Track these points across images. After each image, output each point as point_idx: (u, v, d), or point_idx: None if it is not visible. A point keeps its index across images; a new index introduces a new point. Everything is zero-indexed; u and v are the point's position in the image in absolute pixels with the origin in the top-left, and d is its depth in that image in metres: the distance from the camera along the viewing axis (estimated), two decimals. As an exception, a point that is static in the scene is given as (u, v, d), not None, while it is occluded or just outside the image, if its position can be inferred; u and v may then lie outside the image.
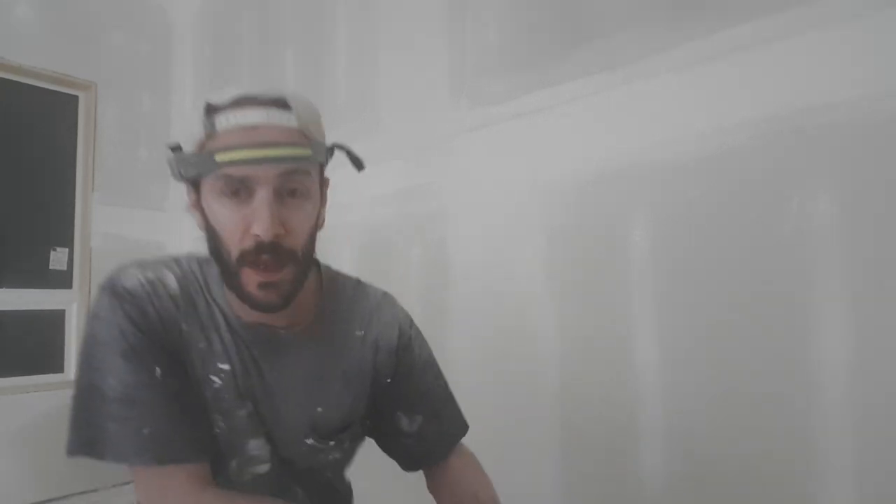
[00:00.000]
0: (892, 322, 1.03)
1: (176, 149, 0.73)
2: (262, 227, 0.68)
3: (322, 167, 0.79)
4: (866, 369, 1.05)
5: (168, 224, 2.89)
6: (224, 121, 0.69)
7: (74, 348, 2.63)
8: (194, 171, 0.70)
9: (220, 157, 0.67)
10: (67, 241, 2.65)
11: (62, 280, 2.63)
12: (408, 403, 0.90)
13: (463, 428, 0.99)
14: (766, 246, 1.17)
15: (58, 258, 2.62)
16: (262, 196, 0.69)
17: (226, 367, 0.77)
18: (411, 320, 0.95)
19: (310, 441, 0.83)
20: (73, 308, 2.64)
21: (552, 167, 1.51)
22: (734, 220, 1.21)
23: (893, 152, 1.03)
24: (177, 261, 0.81)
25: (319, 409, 0.82)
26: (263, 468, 0.81)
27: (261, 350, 0.79)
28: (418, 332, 0.95)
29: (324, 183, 0.82)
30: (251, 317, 0.77)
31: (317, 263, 0.87)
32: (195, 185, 0.73)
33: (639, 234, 1.35)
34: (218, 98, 0.71)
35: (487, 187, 1.66)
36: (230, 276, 0.72)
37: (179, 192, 2.96)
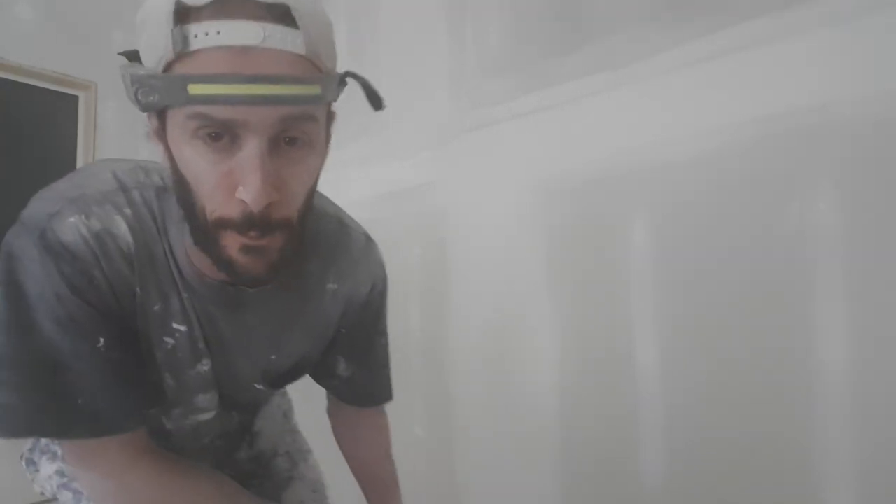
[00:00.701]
0: (892, 322, 1.03)
1: (133, 57, 0.55)
2: (251, 193, 0.52)
3: (331, 105, 0.63)
4: (867, 369, 1.05)
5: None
6: (202, 35, 0.49)
7: (75, 348, 2.62)
8: (157, 98, 0.52)
9: (194, 90, 0.49)
10: (67, 241, 2.65)
11: (62, 280, 2.62)
12: (352, 353, 0.87)
13: (388, 396, 0.99)
14: (766, 246, 1.17)
15: (58, 258, 2.62)
16: (253, 148, 0.52)
17: (182, 328, 0.67)
18: (385, 278, 0.89)
19: (259, 386, 0.80)
20: (74, 308, 2.64)
21: (552, 167, 1.51)
22: (734, 220, 1.21)
23: (893, 152, 1.04)
24: (126, 191, 0.64)
25: (273, 357, 0.77)
26: (208, 416, 0.78)
27: (222, 309, 0.69)
28: (385, 293, 0.89)
29: (330, 120, 0.67)
30: (217, 274, 0.64)
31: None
32: (159, 112, 0.56)
33: (639, 234, 1.35)
34: None
35: (487, 187, 1.66)
36: (204, 236, 0.57)
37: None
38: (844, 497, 1.07)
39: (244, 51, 0.50)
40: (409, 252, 1.86)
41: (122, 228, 0.61)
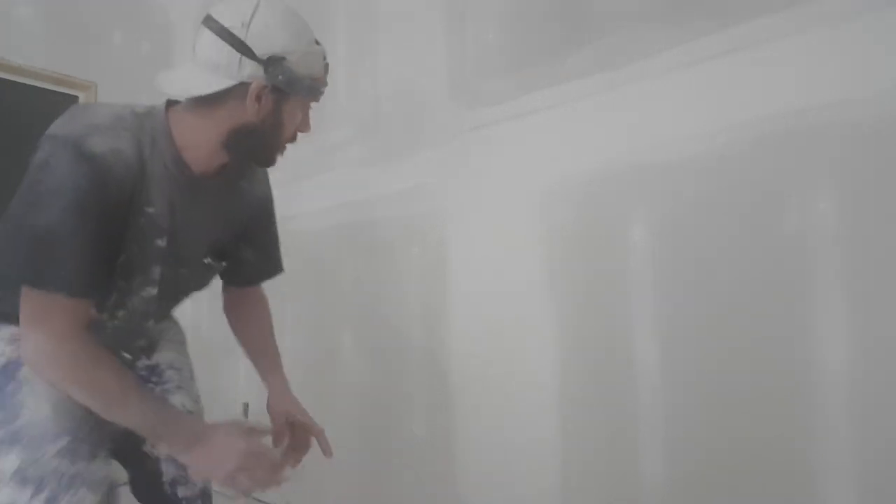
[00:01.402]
0: (892, 322, 1.03)
1: (278, 61, 0.91)
2: (308, 129, 1.04)
3: None
4: (866, 369, 1.05)
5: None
6: (327, 65, 1.01)
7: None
8: (303, 90, 0.95)
9: (323, 90, 1.01)
10: (67, 242, 2.65)
11: (62, 280, 2.62)
12: (254, 240, 1.18)
13: (279, 269, 1.26)
14: (765, 246, 1.17)
15: (58, 258, 2.62)
16: (309, 111, 1.03)
17: (151, 210, 0.95)
18: (270, 190, 1.22)
19: (206, 260, 1.10)
20: (74, 308, 2.64)
21: (552, 167, 1.51)
22: (734, 220, 1.21)
23: (893, 152, 1.04)
24: (122, 119, 0.93)
25: (215, 238, 1.09)
26: (153, 291, 1.02)
27: (190, 193, 1.00)
28: (272, 199, 1.22)
29: None
30: (198, 166, 0.99)
31: None
32: (281, 92, 0.93)
33: (639, 234, 1.35)
34: (314, 37, 0.99)
35: (487, 187, 1.66)
36: (270, 150, 1.01)
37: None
38: (844, 497, 1.07)
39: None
40: (409, 252, 1.86)
41: (128, 145, 0.90)
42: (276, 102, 0.94)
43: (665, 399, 1.29)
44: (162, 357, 1.19)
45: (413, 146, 1.82)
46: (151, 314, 1.07)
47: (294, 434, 1.13)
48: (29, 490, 0.90)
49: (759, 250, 1.18)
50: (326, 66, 1.02)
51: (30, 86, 2.58)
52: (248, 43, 0.89)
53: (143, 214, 0.94)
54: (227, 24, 0.89)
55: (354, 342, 2.05)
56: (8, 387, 0.95)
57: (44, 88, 2.62)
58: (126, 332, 1.06)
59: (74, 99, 2.69)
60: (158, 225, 0.96)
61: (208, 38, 0.91)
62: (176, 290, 1.10)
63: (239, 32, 0.89)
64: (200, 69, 0.92)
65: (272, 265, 1.24)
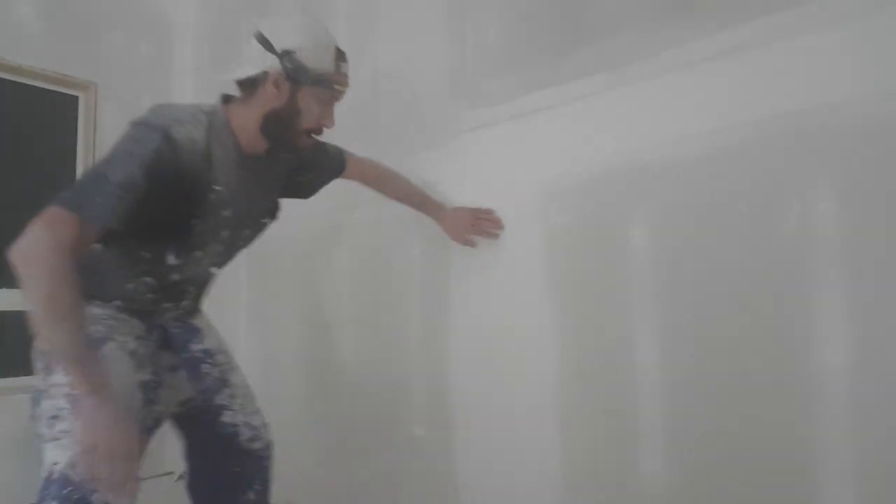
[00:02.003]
0: (892, 322, 1.03)
1: (290, 54, 1.17)
2: (332, 122, 1.29)
3: None
4: (867, 370, 1.05)
5: (168, 224, 2.88)
6: (343, 67, 1.25)
7: (74, 348, 2.62)
8: (311, 82, 1.20)
9: (338, 87, 1.25)
10: (67, 241, 2.65)
11: (62, 280, 2.62)
12: (300, 172, 1.52)
13: (341, 153, 1.61)
14: (766, 246, 1.17)
15: (58, 258, 2.61)
16: (333, 108, 1.29)
17: (220, 187, 1.23)
18: (317, 143, 1.44)
19: (264, 220, 1.45)
20: (73, 308, 2.64)
21: (552, 167, 1.51)
22: (734, 220, 1.21)
23: (893, 152, 1.03)
24: (195, 114, 1.20)
25: (268, 202, 1.44)
26: (220, 248, 1.34)
27: (247, 172, 1.29)
28: (318, 145, 1.46)
29: None
30: (249, 150, 1.28)
31: None
32: (295, 81, 1.19)
33: (639, 234, 1.35)
34: (334, 42, 1.24)
35: (487, 187, 1.66)
36: (292, 135, 1.27)
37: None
38: (844, 497, 1.07)
39: (347, 76, 1.29)
40: (409, 252, 1.86)
41: (201, 136, 1.18)
42: (291, 91, 1.20)
43: (665, 399, 1.29)
44: (210, 343, 1.46)
45: (412, 146, 1.82)
46: (217, 263, 1.42)
47: (479, 221, 1.55)
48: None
49: (759, 250, 1.18)
50: (338, 65, 1.23)
51: (30, 86, 2.58)
52: (270, 39, 1.19)
53: (213, 192, 1.22)
54: (262, 30, 1.22)
55: (354, 342, 2.05)
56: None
57: (44, 88, 2.62)
58: (196, 277, 1.38)
59: (74, 99, 2.69)
60: (224, 200, 1.25)
61: (251, 41, 1.22)
62: (238, 245, 1.43)
63: (266, 33, 1.20)
64: (243, 64, 1.23)
65: (335, 163, 1.59)
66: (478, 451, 1.66)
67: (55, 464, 1.08)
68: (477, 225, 1.55)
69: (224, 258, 1.43)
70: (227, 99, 1.29)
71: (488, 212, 1.56)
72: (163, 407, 1.35)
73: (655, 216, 1.33)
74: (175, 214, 1.17)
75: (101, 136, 2.73)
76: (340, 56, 1.25)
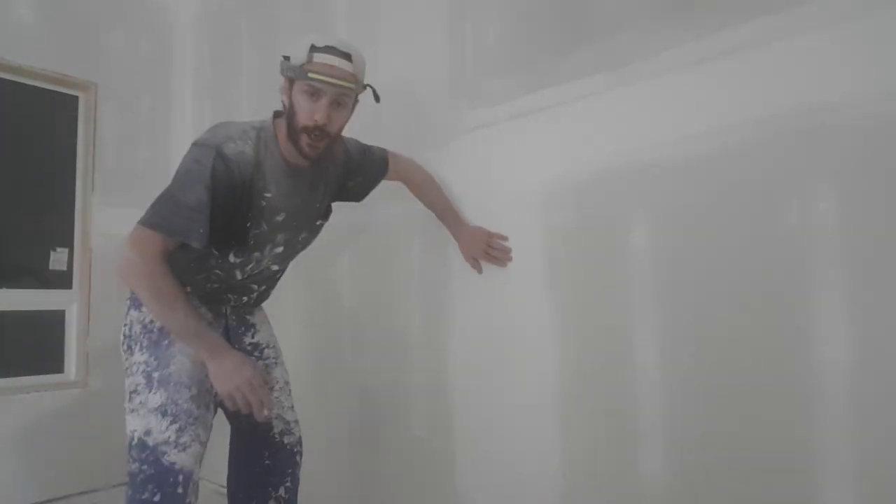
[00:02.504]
0: (892, 322, 1.03)
1: (287, 58, 1.32)
2: (320, 117, 1.31)
3: (357, 94, 1.38)
4: (867, 370, 1.05)
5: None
6: (318, 58, 1.28)
7: (74, 348, 2.63)
8: (292, 74, 1.30)
9: (311, 74, 1.27)
10: (67, 242, 2.65)
11: (62, 280, 2.63)
12: (349, 177, 1.61)
13: (384, 156, 1.67)
14: (765, 246, 1.17)
15: (58, 258, 2.62)
16: (324, 101, 1.30)
17: (269, 195, 1.37)
18: (363, 148, 1.64)
19: (318, 222, 1.56)
20: (73, 308, 2.64)
21: (552, 167, 1.51)
22: (734, 220, 1.21)
23: (893, 152, 1.03)
24: (246, 131, 1.34)
25: (319, 206, 1.53)
26: (279, 250, 1.49)
27: (295, 180, 1.41)
28: (353, 142, 1.62)
29: (355, 102, 1.40)
30: (294, 161, 1.39)
31: (341, 137, 1.48)
32: (290, 82, 1.32)
33: (638, 234, 1.35)
34: (318, 41, 1.29)
35: (487, 187, 1.66)
36: (295, 135, 1.33)
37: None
38: (844, 497, 1.07)
39: (331, 66, 1.29)
40: (409, 252, 1.86)
41: (250, 149, 1.33)
42: (289, 91, 1.33)
43: (665, 399, 1.29)
44: (261, 337, 1.61)
45: (413, 146, 1.82)
46: (276, 263, 1.53)
47: (491, 248, 1.60)
48: (167, 420, 1.32)
49: (758, 250, 1.18)
50: (311, 56, 1.28)
51: (30, 86, 2.58)
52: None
53: (264, 199, 1.36)
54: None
55: (354, 342, 2.05)
56: (164, 342, 1.38)
57: (44, 88, 2.62)
58: (258, 275, 1.51)
59: (74, 99, 2.69)
60: (275, 206, 1.39)
61: None
62: (296, 246, 1.55)
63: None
64: None
65: (379, 166, 1.65)
66: (478, 451, 1.66)
67: (133, 431, 1.33)
68: (488, 251, 1.60)
69: (284, 258, 1.55)
70: (277, 114, 1.41)
71: (502, 238, 1.59)
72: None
73: (655, 216, 1.32)
74: (233, 220, 1.33)
75: (101, 135, 2.73)
76: (322, 49, 1.29)
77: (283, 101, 1.35)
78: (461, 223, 1.67)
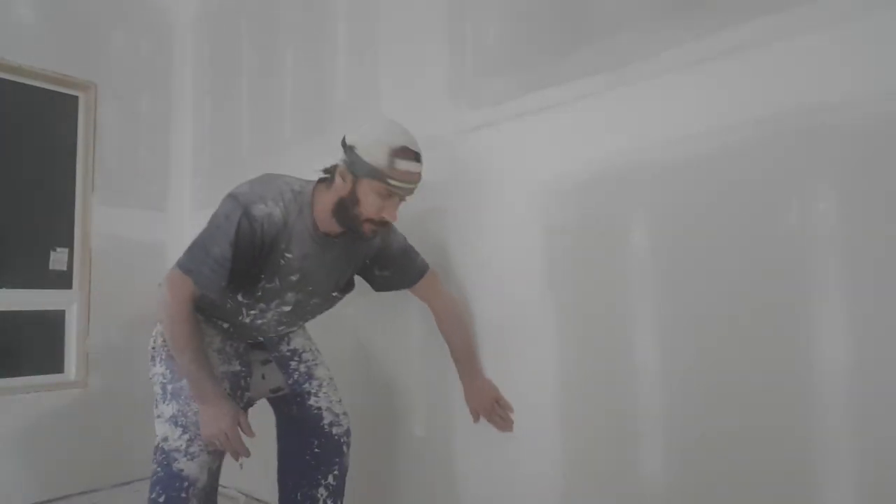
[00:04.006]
0: (892, 322, 1.03)
1: (351, 148, 1.35)
2: (391, 216, 1.39)
3: None
4: (867, 370, 1.05)
5: (168, 224, 2.89)
6: (400, 165, 1.33)
7: (74, 348, 2.63)
8: (366, 175, 1.33)
9: (393, 182, 1.33)
10: (67, 241, 2.65)
11: (62, 280, 2.62)
12: (380, 265, 1.63)
13: (423, 269, 1.64)
14: (765, 246, 1.17)
15: (58, 258, 2.62)
16: (396, 203, 1.39)
17: (290, 255, 1.43)
18: (406, 248, 1.64)
19: (335, 294, 1.60)
20: (73, 308, 2.64)
21: (552, 167, 1.51)
22: (734, 220, 1.21)
23: (893, 152, 1.03)
24: (283, 193, 1.41)
25: (338, 277, 1.57)
26: (286, 308, 1.54)
27: (320, 247, 1.46)
28: (400, 238, 1.64)
29: None
30: (325, 229, 1.45)
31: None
32: (355, 174, 1.35)
33: (638, 234, 1.35)
34: (393, 141, 1.34)
35: (487, 187, 1.66)
36: (354, 222, 1.39)
37: (179, 193, 2.96)
38: (844, 497, 1.07)
39: (409, 173, 1.36)
40: (409, 252, 1.86)
41: (278, 212, 1.39)
42: (353, 182, 1.36)
43: (665, 398, 1.29)
44: (297, 343, 1.73)
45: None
46: (283, 323, 1.60)
47: (495, 412, 1.58)
48: (179, 430, 1.43)
49: (758, 250, 1.18)
50: (392, 161, 1.32)
51: (30, 86, 2.58)
52: (346, 139, 1.37)
53: (283, 258, 1.43)
54: (348, 131, 1.40)
55: (354, 342, 2.05)
56: None
57: (44, 88, 2.62)
58: (265, 328, 1.60)
59: (74, 99, 2.69)
60: (293, 266, 1.44)
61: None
62: (307, 311, 1.60)
63: (347, 137, 1.38)
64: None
65: (412, 273, 1.63)
66: (478, 451, 1.66)
67: (157, 435, 1.46)
68: (492, 411, 1.58)
69: (292, 320, 1.61)
70: (322, 180, 1.46)
71: (507, 406, 1.58)
72: (254, 393, 1.65)
73: (655, 216, 1.32)
74: (248, 270, 1.41)
75: (101, 135, 2.73)
76: (401, 154, 1.33)
77: (338, 182, 1.37)
78: (475, 373, 1.62)
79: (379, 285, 1.67)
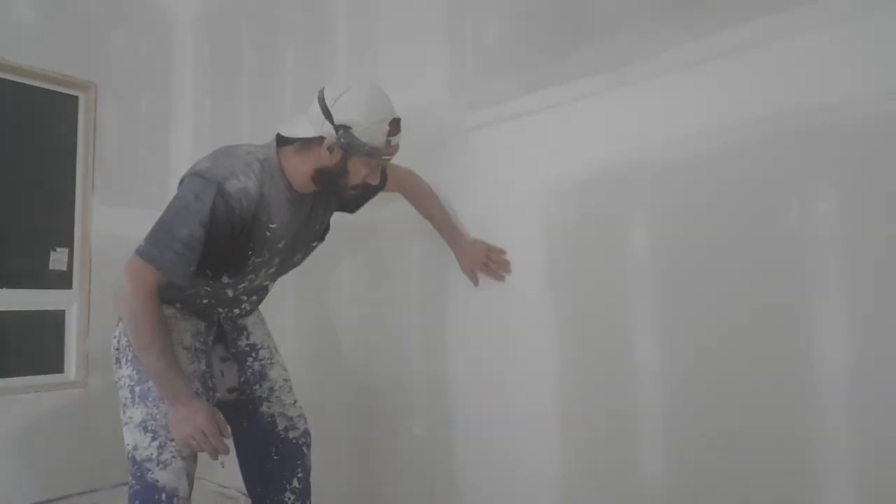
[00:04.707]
0: (892, 322, 1.03)
1: (345, 129, 1.30)
2: (376, 181, 1.41)
3: None
4: (867, 370, 1.05)
5: (168, 224, 2.88)
6: (393, 140, 1.35)
7: (74, 348, 2.62)
8: (364, 154, 1.33)
9: (386, 157, 1.38)
10: (67, 241, 2.65)
11: (62, 280, 2.62)
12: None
13: (382, 172, 1.53)
14: (765, 246, 1.17)
15: (58, 258, 2.62)
16: (380, 168, 1.41)
17: (273, 226, 1.39)
18: None
19: (314, 244, 1.60)
20: (73, 308, 2.64)
21: (552, 167, 1.51)
22: (734, 221, 1.21)
23: (893, 152, 1.03)
24: (250, 164, 1.33)
25: (318, 229, 1.57)
26: (272, 270, 1.51)
27: (297, 207, 1.44)
28: None
29: None
30: (298, 189, 1.41)
31: None
32: (348, 152, 1.33)
33: (639, 234, 1.35)
34: (390, 114, 1.34)
35: (487, 187, 1.66)
36: (338, 187, 1.40)
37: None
38: (844, 497, 1.07)
39: (398, 146, 1.39)
40: (409, 251, 1.86)
41: (253, 185, 1.32)
42: (342, 156, 1.33)
43: (665, 398, 1.29)
44: (256, 338, 1.66)
45: (413, 146, 1.82)
46: (270, 279, 1.58)
47: (491, 258, 1.59)
48: (149, 437, 1.34)
49: (759, 250, 1.18)
50: (389, 140, 1.33)
51: (30, 86, 2.58)
52: (332, 111, 1.30)
53: (268, 229, 1.38)
54: (325, 96, 1.32)
55: (354, 342, 2.05)
56: None
57: (44, 88, 2.62)
58: (249, 290, 1.54)
59: (74, 99, 2.69)
60: (278, 235, 1.42)
61: (315, 103, 1.33)
62: (289, 265, 1.58)
63: (329, 104, 1.31)
64: (304, 121, 1.34)
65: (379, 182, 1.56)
66: (478, 451, 1.66)
67: (127, 444, 1.38)
68: (487, 263, 1.60)
69: (276, 275, 1.59)
70: (281, 141, 1.40)
71: (500, 252, 1.59)
72: (219, 393, 1.57)
73: (655, 216, 1.32)
74: (233, 251, 1.35)
75: (101, 135, 2.73)
76: (393, 130, 1.34)
77: (323, 155, 1.34)
78: (460, 235, 1.67)
79: (353, 206, 1.68)
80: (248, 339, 1.65)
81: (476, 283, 1.65)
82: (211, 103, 2.84)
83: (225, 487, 2.37)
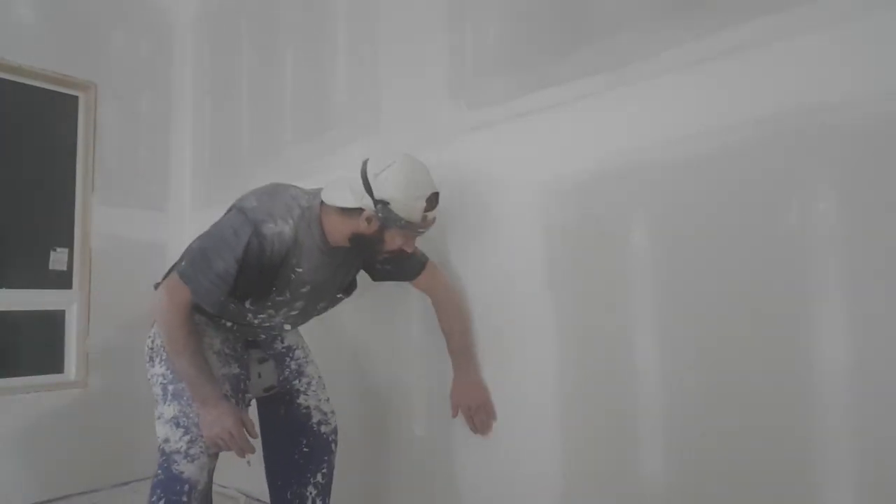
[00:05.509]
0: (892, 322, 1.03)
1: (384, 204, 1.37)
2: (410, 248, 1.48)
3: None
4: (867, 370, 1.05)
5: (168, 224, 2.89)
6: (430, 214, 1.41)
7: (74, 348, 2.63)
8: (401, 228, 1.40)
9: (422, 230, 1.44)
10: (67, 241, 2.65)
11: (62, 280, 2.62)
12: (381, 260, 1.59)
13: (423, 261, 1.65)
14: (765, 246, 1.17)
15: (58, 258, 2.62)
16: (415, 238, 1.48)
17: (300, 269, 1.47)
18: None
19: (339, 296, 1.66)
20: (73, 308, 2.64)
21: (552, 167, 1.51)
22: (734, 220, 1.21)
23: (893, 153, 1.03)
24: (291, 210, 1.43)
25: (343, 280, 1.62)
26: (294, 313, 1.59)
27: (328, 258, 1.50)
28: None
29: None
30: (334, 243, 1.48)
31: None
32: (386, 225, 1.40)
33: (638, 234, 1.35)
34: (429, 191, 1.40)
35: (487, 187, 1.66)
36: (373, 252, 1.48)
37: (179, 193, 2.96)
38: (844, 497, 1.07)
39: (434, 219, 1.46)
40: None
41: (288, 231, 1.42)
42: (380, 227, 1.41)
43: (665, 399, 1.29)
44: (290, 340, 1.77)
45: (413, 146, 1.82)
46: (289, 323, 1.65)
47: (476, 414, 1.60)
48: (180, 431, 1.43)
49: (759, 250, 1.18)
50: (426, 216, 1.40)
51: (30, 86, 2.58)
52: (372, 186, 1.38)
53: (294, 272, 1.47)
54: (367, 170, 1.40)
55: (354, 342, 2.05)
56: None
57: (44, 88, 2.62)
58: (268, 326, 1.62)
59: (74, 99, 2.69)
60: (303, 279, 1.49)
61: (358, 175, 1.40)
62: (311, 313, 1.65)
63: (370, 178, 1.38)
64: (347, 190, 1.41)
65: (413, 266, 1.64)
66: (478, 451, 1.66)
67: (159, 437, 1.45)
68: (474, 411, 1.61)
69: (297, 321, 1.66)
70: (324, 202, 1.47)
71: (491, 413, 1.61)
72: (252, 393, 1.64)
73: (655, 216, 1.32)
74: (258, 284, 1.44)
75: (101, 135, 2.73)
76: (430, 205, 1.40)
77: (361, 224, 1.40)
78: (468, 369, 1.63)
79: (379, 277, 1.69)
80: (282, 342, 1.74)
81: (454, 414, 1.64)
82: (211, 103, 2.84)
83: (225, 487, 2.37)
